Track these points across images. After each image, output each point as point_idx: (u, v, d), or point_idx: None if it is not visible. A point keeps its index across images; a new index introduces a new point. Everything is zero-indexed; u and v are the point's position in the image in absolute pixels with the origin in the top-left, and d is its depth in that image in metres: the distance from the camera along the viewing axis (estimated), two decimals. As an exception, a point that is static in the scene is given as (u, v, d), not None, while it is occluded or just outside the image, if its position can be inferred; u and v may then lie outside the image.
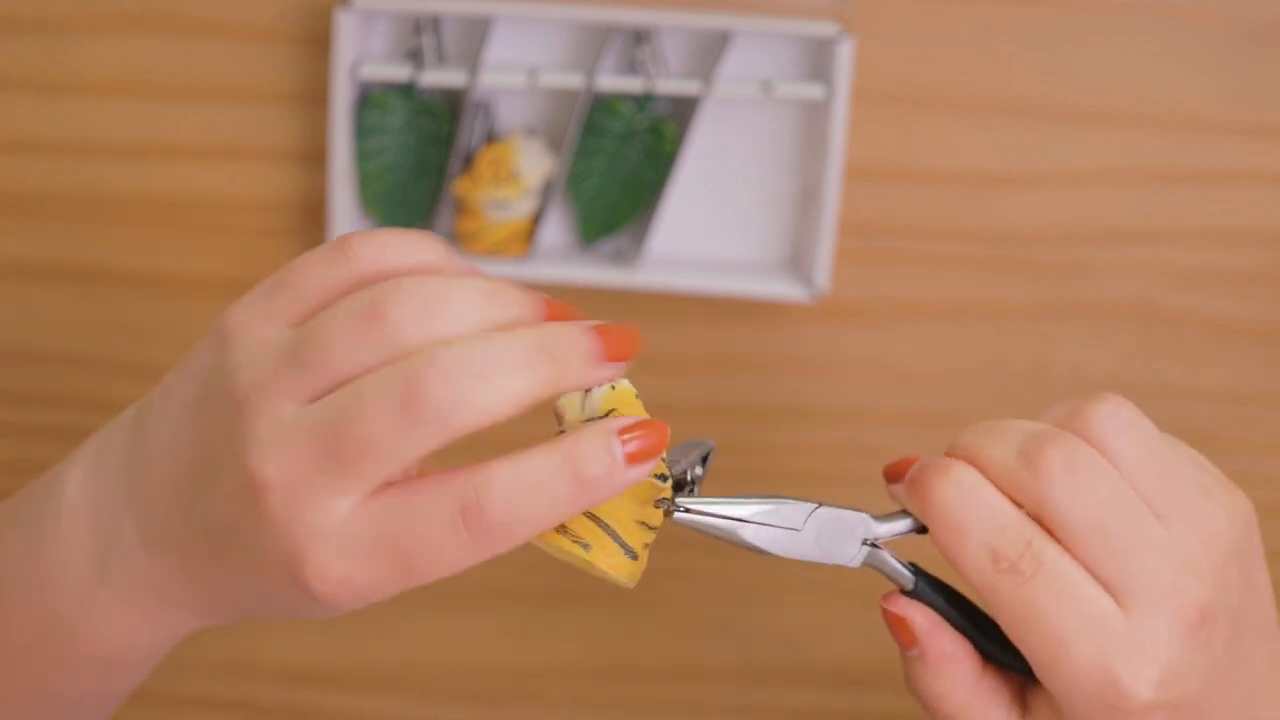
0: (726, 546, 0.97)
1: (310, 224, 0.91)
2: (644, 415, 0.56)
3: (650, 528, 0.58)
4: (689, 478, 0.60)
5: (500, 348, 0.53)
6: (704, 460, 0.62)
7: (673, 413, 0.59)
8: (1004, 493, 0.57)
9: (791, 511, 0.59)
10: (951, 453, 0.59)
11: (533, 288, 0.57)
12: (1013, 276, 0.91)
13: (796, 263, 0.91)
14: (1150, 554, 0.56)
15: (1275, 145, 0.88)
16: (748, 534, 0.59)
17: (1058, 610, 0.56)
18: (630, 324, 0.56)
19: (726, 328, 0.91)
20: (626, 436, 0.54)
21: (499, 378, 0.53)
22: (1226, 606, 0.57)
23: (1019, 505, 0.57)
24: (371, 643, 0.98)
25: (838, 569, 0.60)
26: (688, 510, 0.59)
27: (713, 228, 0.91)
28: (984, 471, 0.58)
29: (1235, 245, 0.90)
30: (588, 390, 0.56)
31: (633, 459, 0.54)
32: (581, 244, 0.91)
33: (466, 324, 0.54)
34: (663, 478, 0.58)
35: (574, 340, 0.54)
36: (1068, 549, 0.56)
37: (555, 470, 0.53)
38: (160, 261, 0.92)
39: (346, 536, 0.53)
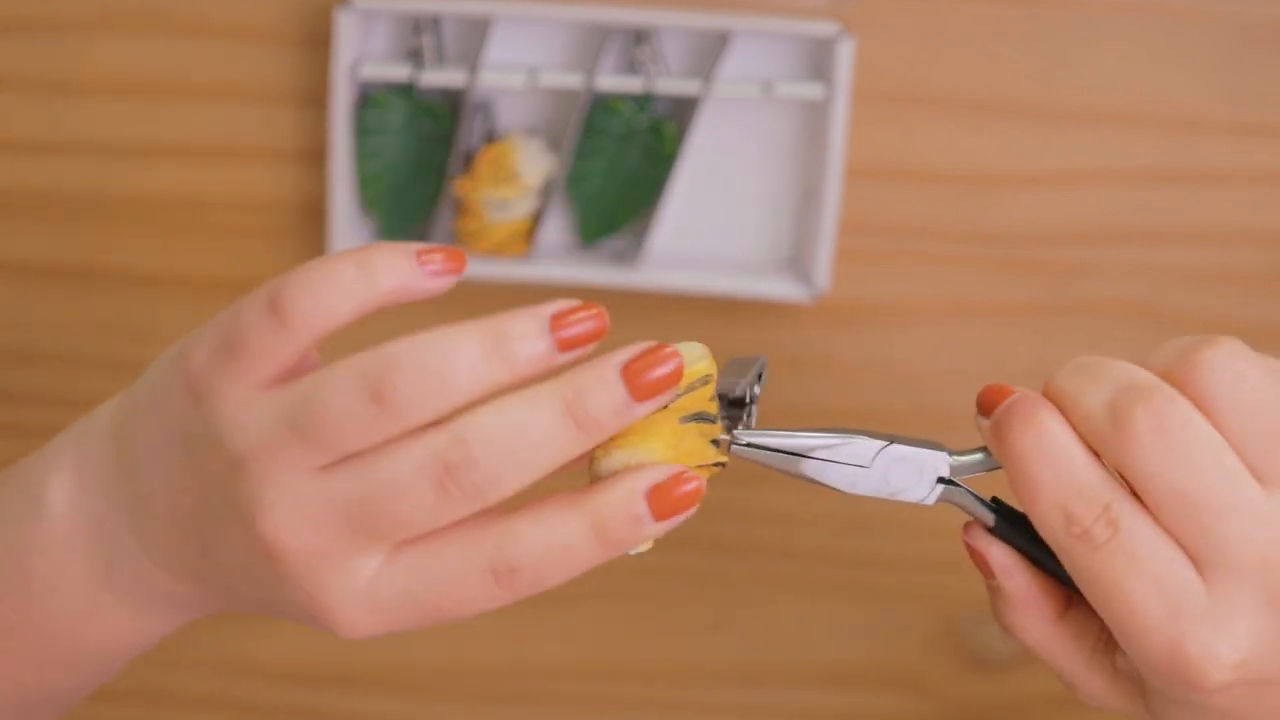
0: (726, 545, 0.97)
1: (310, 224, 0.91)
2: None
3: (706, 466, 0.56)
4: (747, 397, 0.58)
5: (529, 420, 0.52)
6: (759, 377, 0.59)
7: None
8: (1089, 446, 0.55)
9: (860, 448, 0.57)
10: (1046, 392, 0.56)
11: (533, 289, 0.56)
12: (1013, 276, 0.91)
13: (796, 263, 0.91)
14: (1241, 523, 0.52)
15: (1275, 145, 0.88)
16: (809, 469, 0.57)
17: (1131, 579, 0.53)
18: (665, 345, 0.54)
19: (726, 328, 0.91)
20: (652, 495, 0.53)
21: (531, 452, 0.52)
22: None
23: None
24: (371, 643, 0.98)
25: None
26: (749, 444, 0.57)
27: (713, 228, 0.91)
28: (1070, 420, 0.55)
29: (1235, 245, 0.90)
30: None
31: (659, 517, 0.53)
32: (581, 244, 0.91)
33: (478, 387, 0.52)
34: (709, 419, 0.56)
35: (600, 395, 0.53)
36: (1152, 513, 0.53)
37: (583, 535, 0.53)
38: (160, 261, 0.92)
39: (374, 596, 0.53)
